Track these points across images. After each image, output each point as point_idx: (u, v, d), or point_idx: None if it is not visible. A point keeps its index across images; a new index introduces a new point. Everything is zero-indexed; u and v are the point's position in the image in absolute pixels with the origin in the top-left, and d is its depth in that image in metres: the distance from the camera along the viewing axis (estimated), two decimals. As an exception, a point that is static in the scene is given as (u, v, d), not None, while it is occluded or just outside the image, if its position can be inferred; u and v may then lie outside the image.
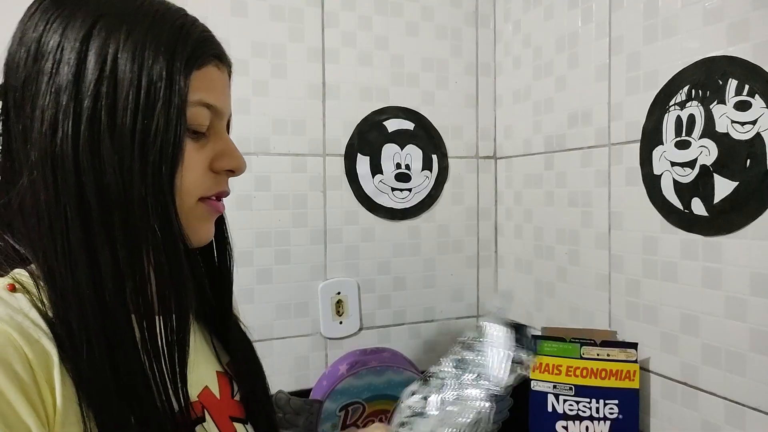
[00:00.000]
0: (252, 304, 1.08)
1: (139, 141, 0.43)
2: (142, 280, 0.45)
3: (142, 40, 0.44)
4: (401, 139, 1.18)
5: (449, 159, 1.23)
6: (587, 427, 0.86)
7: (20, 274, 0.45)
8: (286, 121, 1.09)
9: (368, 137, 1.15)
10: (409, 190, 1.19)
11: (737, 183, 0.75)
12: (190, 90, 0.46)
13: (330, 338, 1.13)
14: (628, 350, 0.85)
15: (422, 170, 1.20)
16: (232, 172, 0.52)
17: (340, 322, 1.13)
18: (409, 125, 1.19)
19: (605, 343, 0.86)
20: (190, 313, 0.51)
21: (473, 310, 1.26)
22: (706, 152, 0.79)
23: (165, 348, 0.47)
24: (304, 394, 1.05)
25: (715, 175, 0.78)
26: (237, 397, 0.60)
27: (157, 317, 0.47)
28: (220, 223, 0.57)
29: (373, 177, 1.16)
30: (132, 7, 0.45)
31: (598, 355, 0.86)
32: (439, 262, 1.22)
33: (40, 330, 0.42)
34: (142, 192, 0.44)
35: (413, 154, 1.19)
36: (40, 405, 0.41)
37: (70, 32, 0.43)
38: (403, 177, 1.18)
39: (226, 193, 0.53)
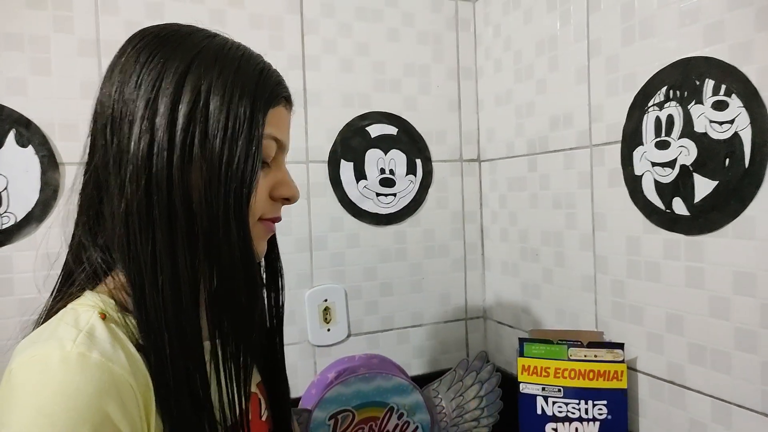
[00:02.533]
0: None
1: (225, 166, 0.49)
2: (214, 293, 0.50)
3: (232, 79, 0.50)
4: (385, 144, 1.18)
5: (433, 163, 1.23)
6: (577, 429, 0.86)
7: (99, 295, 0.49)
8: (268, 129, 1.09)
9: (351, 143, 1.15)
10: (394, 195, 1.19)
11: (717, 182, 0.76)
12: (265, 125, 0.52)
13: (318, 346, 1.12)
14: (615, 351, 0.85)
15: (406, 175, 1.20)
16: (288, 201, 0.57)
17: (328, 330, 1.12)
18: (392, 130, 1.19)
19: (592, 344, 0.86)
20: (258, 329, 0.57)
21: (461, 314, 1.26)
22: (685, 152, 0.80)
23: (232, 366, 0.52)
24: (293, 403, 1.04)
25: (695, 174, 0.79)
26: (264, 417, 0.61)
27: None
28: (274, 247, 0.63)
29: (357, 183, 1.15)
30: (222, 51, 0.52)
31: (585, 356, 0.86)
32: (426, 267, 1.22)
33: (138, 361, 0.46)
34: (224, 210, 0.49)
35: (397, 159, 1.19)
36: None
37: (170, 66, 0.49)
38: (387, 182, 1.18)
39: (280, 219, 0.58)
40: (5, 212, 0.91)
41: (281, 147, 0.56)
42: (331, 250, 1.14)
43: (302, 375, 1.11)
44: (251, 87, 0.51)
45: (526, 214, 1.13)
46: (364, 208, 1.16)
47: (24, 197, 0.92)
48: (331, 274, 1.14)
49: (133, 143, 0.48)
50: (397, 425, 0.98)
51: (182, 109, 0.48)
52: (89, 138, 0.52)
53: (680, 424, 0.81)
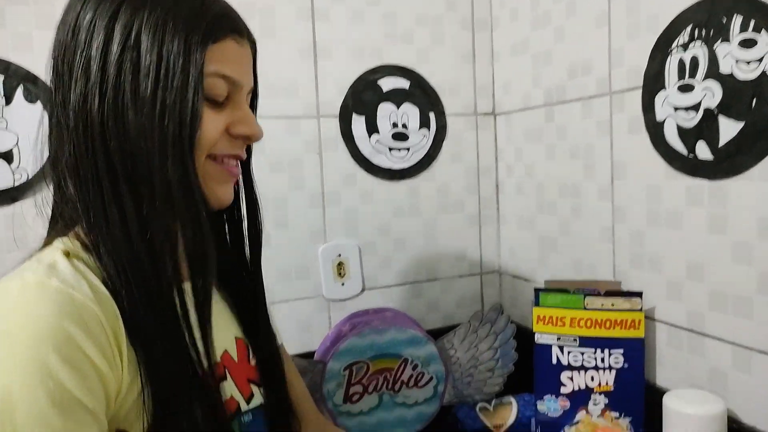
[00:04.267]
0: (252, 269, 1.06)
1: (160, 108, 0.47)
2: (167, 236, 0.49)
3: (163, 17, 0.48)
4: (397, 98, 1.15)
5: (447, 117, 1.20)
6: (592, 377, 0.86)
7: (69, 238, 0.50)
8: (277, 83, 1.07)
9: (363, 97, 1.13)
10: (407, 149, 1.17)
11: (743, 124, 0.73)
12: (206, 62, 0.49)
13: (332, 300, 1.13)
14: (633, 299, 0.84)
15: (419, 129, 1.17)
16: (249, 139, 0.56)
17: (342, 284, 1.12)
18: (404, 84, 1.16)
19: (609, 293, 0.85)
20: (214, 271, 0.55)
21: (476, 269, 1.25)
22: (710, 94, 0.77)
23: (194, 308, 0.51)
24: (308, 356, 1.05)
25: (720, 117, 0.76)
26: (252, 362, 0.62)
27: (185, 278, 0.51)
28: (250, 189, 0.63)
29: (369, 137, 1.14)
30: None
31: (602, 305, 0.85)
32: (440, 222, 1.21)
33: (104, 294, 0.46)
34: (161, 153, 0.47)
35: (410, 113, 1.16)
36: (114, 365, 0.45)
37: (103, 7, 0.48)
38: (400, 136, 1.16)
39: (241, 157, 0.57)
40: (17, 168, 0.91)
41: (234, 85, 0.53)
42: (344, 206, 1.13)
43: (317, 329, 1.11)
44: (186, 21, 0.48)
45: (543, 166, 1.10)
46: (376, 163, 1.15)
47: (34, 153, 0.91)
48: (345, 230, 1.14)
49: (71, 90, 0.47)
50: (411, 376, 0.99)
51: (113, 51, 0.47)
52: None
53: (699, 371, 0.80)
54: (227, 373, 0.56)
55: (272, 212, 1.08)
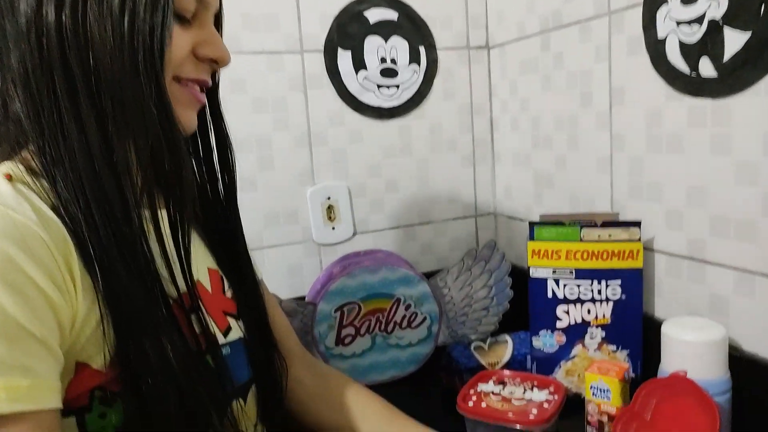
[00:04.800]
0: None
1: (128, 20, 0.44)
2: (139, 159, 0.46)
3: None
4: (385, 30, 1.09)
5: (438, 51, 1.14)
6: (589, 310, 0.83)
7: (12, 162, 0.46)
8: (256, 15, 1.01)
9: (348, 30, 1.07)
10: (397, 86, 1.11)
11: (749, 34, 0.68)
12: None
13: (323, 244, 1.10)
14: (631, 229, 0.80)
15: (409, 64, 1.12)
16: (216, 63, 0.53)
17: (333, 228, 1.09)
18: (392, 15, 1.10)
19: (606, 224, 0.82)
20: (193, 191, 0.54)
21: (470, 211, 1.21)
22: (715, 5, 0.71)
23: (169, 231, 0.49)
24: (298, 300, 1.02)
25: (725, 28, 0.70)
26: (228, 294, 0.60)
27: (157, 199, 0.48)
28: (219, 119, 0.60)
29: (356, 73, 1.08)
30: None
31: (599, 236, 0.82)
32: (433, 163, 1.17)
33: (51, 219, 0.42)
34: (132, 66, 0.44)
35: (399, 47, 1.11)
36: (65, 291, 0.42)
37: None
38: (389, 72, 1.11)
39: (207, 83, 0.53)
40: None
41: (202, 2, 0.50)
42: (331, 146, 1.09)
43: (308, 273, 1.09)
44: None
45: (538, 98, 1.05)
46: (364, 101, 1.10)
47: None
48: (334, 172, 1.10)
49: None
50: (404, 316, 0.96)
51: None
52: None
53: (699, 300, 0.77)
54: (200, 304, 0.53)
55: (256, 154, 1.04)
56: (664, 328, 0.70)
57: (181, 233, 0.51)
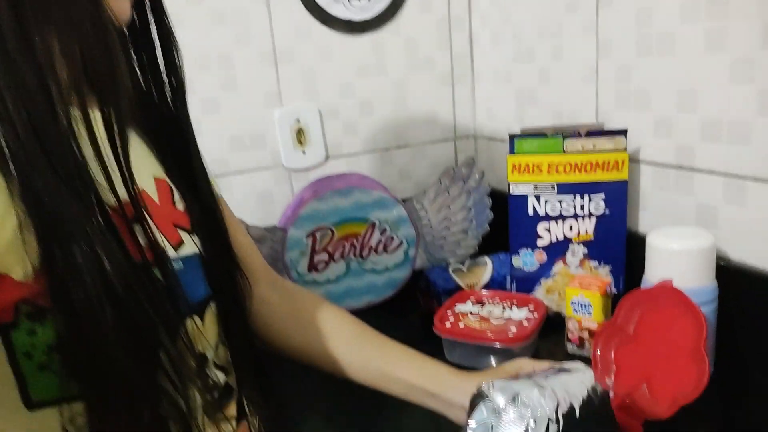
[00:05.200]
0: (201, 137, 0.95)
1: None
2: (64, 51, 0.40)
3: None
4: (354, -67, 1.00)
5: (413, -43, 1.05)
6: (571, 227, 0.80)
7: None
8: None
9: (313, -68, 0.97)
10: (368, -3, 1.03)
11: None
12: None
13: (293, 170, 1.04)
14: (617, 138, 0.76)
15: (382, -29, 1.03)
16: None
17: (303, 152, 1.03)
18: None
19: (591, 134, 0.77)
20: (129, 89, 0.48)
21: (449, 134, 1.15)
22: None
23: (103, 133, 0.43)
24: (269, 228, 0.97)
25: None
26: (180, 206, 0.54)
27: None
28: (161, 15, 0.53)
29: (323, -19, 0.99)
30: None
31: (582, 147, 0.77)
32: (409, 82, 1.10)
33: None
34: None
35: (369, -48, 1.01)
36: None
37: None
38: (359, -19, 1.02)
39: None
40: None
41: None
42: (299, 64, 1.01)
43: (279, 201, 1.03)
44: None
45: (521, 7, 0.98)
46: (333, 13, 1.01)
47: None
48: (303, 92, 1.03)
49: None
50: (380, 241, 0.92)
51: None
52: None
53: (686, 211, 0.74)
54: (145, 214, 0.47)
55: (217, 72, 0.96)
56: (649, 239, 0.67)
57: (118, 134, 0.45)
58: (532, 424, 0.33)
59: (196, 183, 0.56)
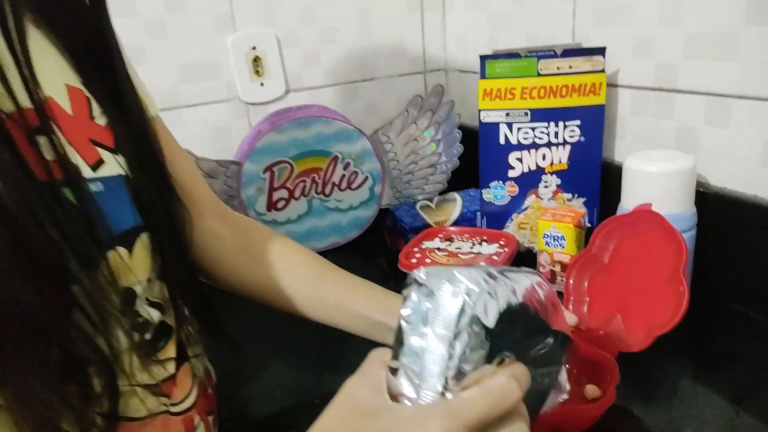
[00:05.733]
0: (146, 65, 0.88)
1: None
2: None
3: None
4: None
5: None
6: (544, 156, 0.75)
7: None
8: None
9: None
10: None
11: None
12: None
13: (251, 103, 0.96)
14: (594, 58, 0.70)
15: None
16: None
17: (261, 84, 0.95)
18: None
19: (567, 53, 0.71)
20: None
21: (419, 66, 1.08)
22: None
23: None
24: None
25: None
26: (101, 121, 0.47)
27: None
28: None
29: None
30: None
31: (558, 68, 0.71)
32: (375, 8, 1.02)
33: None
34: None
35: None
36: None
37: None
38: None
39: None
40: None
41: None
42: (253, -16, 0.92)
43: (236, 137, 0.96)
44: None
45: None
46: (291, -73, 0.92)
47: None
48: (259, 16, 0.94)
49: None
50: (343, 176, 0.86)
51: None
52: None
53: (665, 137, 0.69)
54: (52, 125, 0.41)
55: (160, -9, 0.87)
56: (626, 163, 0.62)
57: (14, 25, 0.38)
58: (468, 299, 0.29)
59: (120, 96, 0.49)
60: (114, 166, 0.46)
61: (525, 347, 0.33)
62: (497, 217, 0.80)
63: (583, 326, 0.57)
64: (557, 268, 0.69)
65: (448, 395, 0.28)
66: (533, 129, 0.74)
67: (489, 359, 0.29)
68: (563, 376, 0.44)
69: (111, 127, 0.48)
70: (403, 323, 0.30)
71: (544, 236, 0.69)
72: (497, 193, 0.78)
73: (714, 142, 0.64)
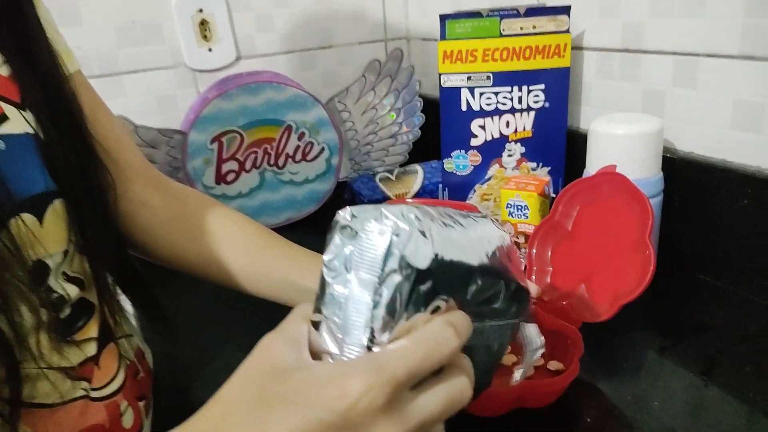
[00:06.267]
0: (81, 26, 0.81)
1: None
2: None
3: None
4: None
5: None
6: (508, 123, 0.71)
7: None
8: None
9: None
10: None
11: None
12: None
13: (199, 70, 0.90)
14: (559, 17, 0.67)
15: None
16: None
17: (209, 50, 0.89)
18: None
19: (531, 12, 0.67)
20: None
21: (379, 34, 1.03)
22: None
23: None
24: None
25: None
26: (5, 71, 0.41)
27: None
28: None
29: None
30: None
31: (521, 29, 0.68)
32: (332, -29, 0.96)
33: None
34: None
35: None
36: None
37: None
38: None
39: None
40: None
41: None
42: (199, -59, 0.86)
43: (184, 107, 0.90)
44: None
45: None
46: None
47: None
48: (205, -23, 0.88)
49: None
50: (297, 147, 0.81)
51: None
52: None
53: (631, 101, 0.66)
54: None
55: (95, -56, 0.80)
56: (592, 126, 0.59)
57: None
58: (396, 239, 0.25)
59: (28, 45, 0.43)
60: (20, 123, 0.41)
61: (467, 295, 0.28)
62: (460, 189, 0.76)
63: (546, 297, 0.53)
64: (521, 240, 0.66)
65: (376, 349, 0.24)
66: (496, 94, 0.70)
67: (422, 306, 0.25)
68: (533, 331, 0.40)
69: (17, 80, 0.42)
70: (325, 270, 0.25)
71: (507, 206, 0.65)
72: (459, 163, 0.75)
73: (682, 104, 0.61)
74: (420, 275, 0.24)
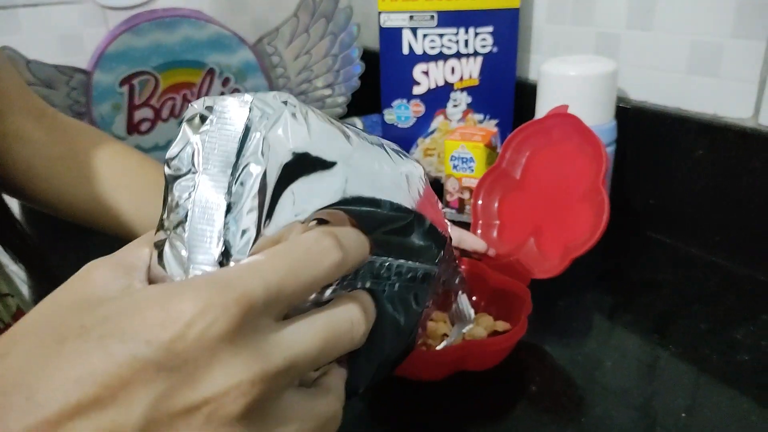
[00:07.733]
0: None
1: None
2: None
3: None
4: None
5: None
6: (453, 69, 0.66)
7: None
8: None
9: None
10: None
11: None
12: None
13: (109, 7, 0.79)
14: (510, -49, 0.61)
15: None
16: None
17: (122, -16, 0.79)
18: None
19: (480, -56, 0.61)
20: None
21: (318, -21, 0.95)
22: None
23: None
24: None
25: None
26: None
27: None
28: None
29: None
30: None
31: (468, -37, 0.62)
32: None
33: None
34: None
35: None
36: None
37: None
38: None
39: None
40: None
41: None
42: None
43: (91, 47, 0.79)
44: None
45: None
46: None
47: None
48: None
49: None
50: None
51: None
52: None
53: (583, 47, 0.62)
54: None
55: None
56: (543, 68, 0.54)
57: None
58: (257, 119, 0.18)
59: None
60: None
61: (364, 213, 0.21)
62: (401, 143, 0.69)
63: (492, 252, 0.49)
64: (466, 195, 0.61)
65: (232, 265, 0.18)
66: (441, 36, 0.64)
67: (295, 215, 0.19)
68: (464, 303, 0.35)
69: None
70: (166, 170, 0.19)
71: (452, 158, 0.60)
72: (401, 114, 0.69)
73: (636, 49, 0.57)
74: (291, 171, 0.18)
